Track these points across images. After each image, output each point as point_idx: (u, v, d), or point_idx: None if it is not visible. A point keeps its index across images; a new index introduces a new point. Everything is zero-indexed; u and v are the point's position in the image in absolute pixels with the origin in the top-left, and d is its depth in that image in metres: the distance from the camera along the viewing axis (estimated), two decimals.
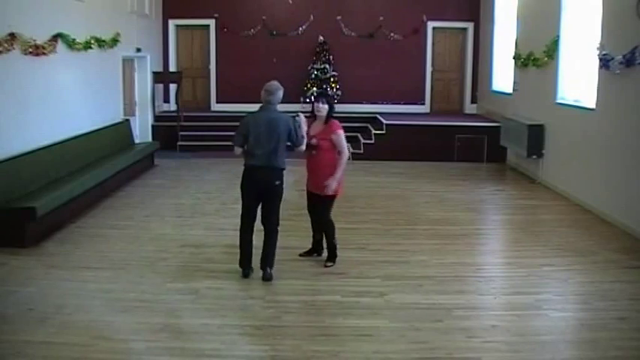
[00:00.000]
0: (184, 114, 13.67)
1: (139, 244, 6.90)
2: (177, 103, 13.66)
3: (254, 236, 5.96)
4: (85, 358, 4.34)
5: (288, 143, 5.86)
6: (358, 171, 10.95)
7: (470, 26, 14.69)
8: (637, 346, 4.61)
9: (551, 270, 6.20)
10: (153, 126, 13.44)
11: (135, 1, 12.31)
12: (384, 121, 12.63)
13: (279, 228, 5.94)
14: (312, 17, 14.53)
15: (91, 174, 8.59)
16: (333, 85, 14.00)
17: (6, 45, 7.40)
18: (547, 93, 10.13)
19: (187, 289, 5.60)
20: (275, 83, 5.92)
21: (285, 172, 5.89)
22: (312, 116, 6.16)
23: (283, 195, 5.94)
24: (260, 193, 5.86)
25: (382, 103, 14.47)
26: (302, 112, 6.40)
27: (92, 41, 10.02)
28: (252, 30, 14.56)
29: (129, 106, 12.60)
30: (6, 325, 4.79)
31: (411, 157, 12.09)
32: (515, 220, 8.36)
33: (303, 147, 5.90)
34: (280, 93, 5.87)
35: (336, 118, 6.16)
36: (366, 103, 14.31)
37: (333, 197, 6.10)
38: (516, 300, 5.47)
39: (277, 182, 5.81)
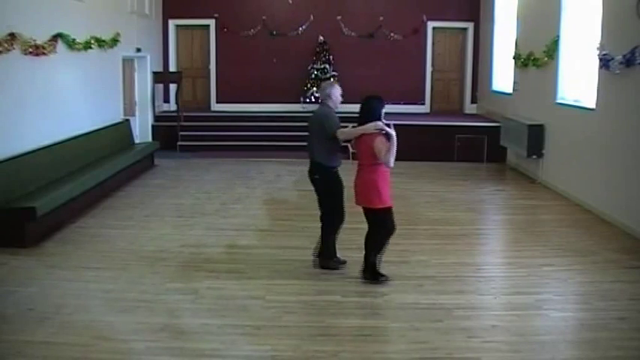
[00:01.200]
0: (184, 114, 13.67)
1: (139, 244, 6.90)
2: (177, 103, 13.66)
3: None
4: (85, 358, 4.34)
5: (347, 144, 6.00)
6: None
7: (470, 26, 14.70)
8: (637, 346, 4.61)
9: (551, 270, 6.19)
10: (153, 126, 13.44)
11: (135, 1, 12.31)
12: (384, 121, 12.59)
13: (332, 220, 6.03)
14: (312, 17, 14.53)
15: (91, 174, 8.59)
16: None
17: (6, 45, 7.40)
18: (547, 93, 10.12)
19: (187, 289, 5.59)
20: (327, 81, 6.19)
21: (327, 169, 5.92)
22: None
23: (334, 190, 5.97)
24: (314, 188, 6.14)
25: None
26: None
27: (92, 41, 10.02)
28: (252, 30, 14.55)
29: (129, 106, 12.60)
30: (6, 325, 4.79)
31: (411, 157, 12.07)
32: (516, 220, 8.36)
33: (340, 138, 5.80)
34: (329, 90, 6.02)
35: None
36: None
37: None
38: (516, 300, 5.46)
39: (316, 176, 6.02)
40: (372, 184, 5.63)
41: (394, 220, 5.77)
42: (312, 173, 6.07)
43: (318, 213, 6.18)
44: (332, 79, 13.95)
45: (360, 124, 5.72)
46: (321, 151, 5.94)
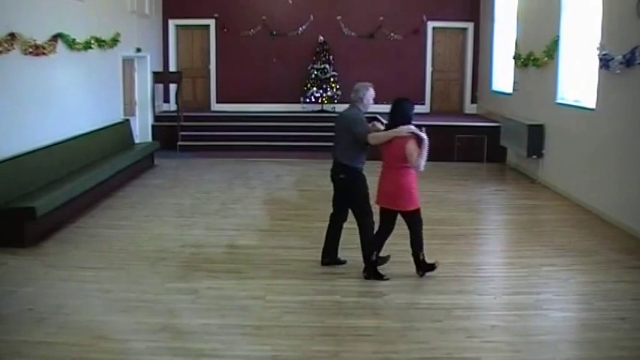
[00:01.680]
0: (184, 114, 13.67)
1: (138, 244, 6.89)
2: (177, 103, 13.66)
3: (333, 232, 6.19)
4: (85, 358, 4.33)
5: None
6: None
7: (470, 26, 14.70)
8: (639, 346, 4.60)
9: (552, 270, 6.19)
10: (153, 126, 13.44)
11: (135, 1, 12.31)
12: (384, 121, 12.56)
13: (367, 222, 5.95)
14: (312, 17, 14.53)
15: (90, 174, 8.59)
16: (333, 85, 14.00)
17: (6, 45, 7.40)
18: (547, 93, 10.12)
19: (187, 289, 5.59)
20: (362, 83, 6.17)
21: (352, 169, 5.92)
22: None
23: (361, 191, 5.95)
24: (334, 187, 6.13)
25: (382, 103, 14.33)
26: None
27: (92, 41, 10.02)
28: (252, 30, 14.55)
29: (129, 106, 12.60)
30: (5, 325, 4.78)
31: None
32: (516, 220, 8.35)
33: (371, 143, 5.78)
34: (362, 92, 6.03)
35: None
36: None
37: None
38: (516, 300, 5.46)
39: (341, 176, 5.97)
40: (405, 187, 5.66)
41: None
42: (336, 173, 6.05)
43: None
44: (333, 78, 13.98)
45: (391, 126, 5.74)
46: (347, 152, 5.94)
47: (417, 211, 5.79)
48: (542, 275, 6.07)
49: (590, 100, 8.66)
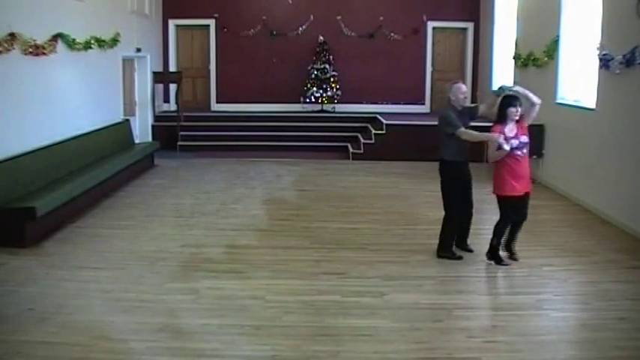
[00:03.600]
0: (184, 114, 13.68)
1: (139, 244, 6.90)
2: (177, 103, 13.66)
3: None
4: (85, 358, 4.33)
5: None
6: (358, 171, 10.97)
7: (470, 26, 14.70)
8: (637, 346, 4.61)
9: (552, 270, 6.19)
10: (153, 126, 13.46)
11: (135, 1, 12.32)
12: (384, 121, 12.62)
13: (450, 214, 6.52)
14: (312, 17, 14.53)
15: (91, 174, 8.59)
16: (333, 85, 14.00)
17: (6, 45, 7.41)
18: (547, 93, 10.10)
19: (187, 289, 5.59)
20: (450, 82, 6.59)
21: (449, 163, 6.41)
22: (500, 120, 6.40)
23: (447, 186, 6.50)
24: (460, 181, 6.60)
25: (382, 103, 14.44)
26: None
27: (92, 41, 10.03)
28: (252, 30, 14.56)
29: (129, 106, 12.61)
30: (6, 325, 4.78)
31: (411, 157, 12.07)
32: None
33: (463, 137, 6.25)
34: (449, 92, 6.44)
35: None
36: (366, 103, 14.31)
37: None
38: (516, 300, 5.46)
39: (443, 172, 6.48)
40: (495, 175, 6.32)
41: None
42: (439, 169, 6.55)
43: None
44: (333, 78, 13.99)
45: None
46: (445, 148, 6.40)
47: (504, 199, 6.31)
48: (542, 275, 6.07)
49: (590, 100, 8.67)
